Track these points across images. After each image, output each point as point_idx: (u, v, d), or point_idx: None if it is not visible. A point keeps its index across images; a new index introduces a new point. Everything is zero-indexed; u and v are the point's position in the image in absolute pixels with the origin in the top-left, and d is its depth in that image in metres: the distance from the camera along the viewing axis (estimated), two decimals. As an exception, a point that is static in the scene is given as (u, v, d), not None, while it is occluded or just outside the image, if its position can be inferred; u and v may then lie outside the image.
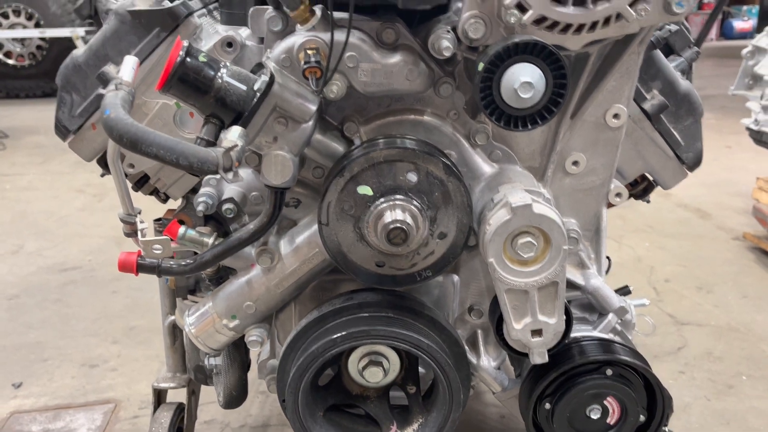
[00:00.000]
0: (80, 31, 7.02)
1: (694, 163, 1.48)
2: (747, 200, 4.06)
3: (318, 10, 1.15)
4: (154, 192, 1.60)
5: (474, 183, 1.32)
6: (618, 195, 1.42)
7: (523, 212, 1.15)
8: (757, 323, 2.79)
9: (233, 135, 0.99)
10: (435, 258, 1.20)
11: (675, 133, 1.45)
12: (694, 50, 1.49)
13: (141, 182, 1.56)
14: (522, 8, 1.10)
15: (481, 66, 1.08)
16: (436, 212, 1.16)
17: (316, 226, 1.24)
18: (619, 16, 1.11)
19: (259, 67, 1.20)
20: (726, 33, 14.39)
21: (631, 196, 1.57)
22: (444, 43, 1.13)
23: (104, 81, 1.39)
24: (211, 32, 1.44)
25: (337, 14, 1.21)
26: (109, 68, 1.39)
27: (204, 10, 1.51)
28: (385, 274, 1.21)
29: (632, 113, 1.39)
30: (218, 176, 1.10)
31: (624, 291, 1.71)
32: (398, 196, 1.14)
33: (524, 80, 1.07)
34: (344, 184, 1.14)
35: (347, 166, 1.13)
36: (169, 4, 1.37)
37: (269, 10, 1.19)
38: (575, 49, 1.17)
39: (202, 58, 1.11)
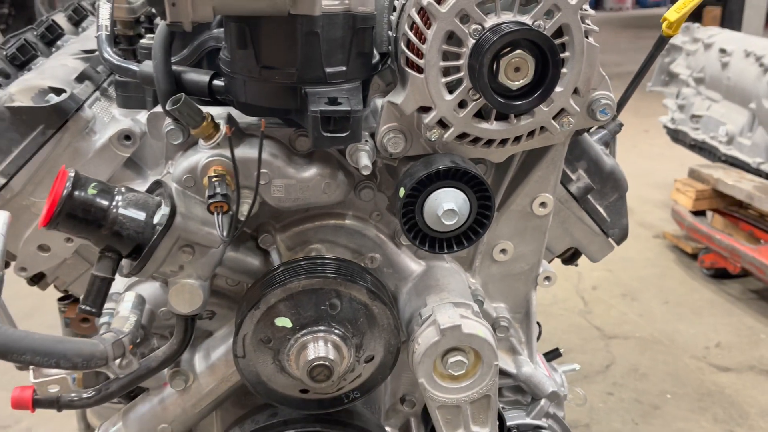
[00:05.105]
0: None
1: (621, 238, 1.46)
2: (666, 192, 4.17)
3: (223, 126, 1.04)
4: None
5: (401, 283, 1.26)
6: (547, 278, 1.39)
7: (452, 333, 1.09)
8: (679, 333, 2.89)
9: (126, 307, 0.88)
10: (363, 380, 1.13)
11: (601, 210, 1.43)
12: (617, 123, 1.46)
13: (36, 278, 1.42)
14: (444, 125, 1.03)
15: (402, 192, 1.01)
16: (362, 338, 1.09)
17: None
18: (543, 128, 1.06)
19: (157, 185, 1.09)
20: (641, 2, 14.73)
21: (561, 261, 1.56)
22: (363, 159, 1.04)
23: (-17, 186, 1.24)
24: (106, 121, 1.31)
25: (245, 120, 1.11)
26: (-12, 170, 1.25)
27: (97, 93, 1.37)
28: (311, 399, 1.13)
29: (559, 195, 1.36)
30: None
31: (554, 354, 1.70)
32: (320, 327, 1.06)
33: (448, 207, 1.00)
34: (260, 316, 1.05)
35: (263, 297, 1.04)
36: (55, 98, 1.23)
37: (167, 122, 1.07)
38: (500, 161, 1.11)
39: (91, 190, 0.99)
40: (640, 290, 3.25)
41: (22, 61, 1.41)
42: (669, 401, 2.46)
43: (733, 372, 2.62)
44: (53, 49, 1.61)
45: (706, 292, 3.23)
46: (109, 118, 1.32)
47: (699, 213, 3.52)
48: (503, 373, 1.37)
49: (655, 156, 5.08)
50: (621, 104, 1.50)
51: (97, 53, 1.43)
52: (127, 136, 1.27)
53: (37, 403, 1.14)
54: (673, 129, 3.96)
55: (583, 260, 1.57)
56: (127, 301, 0.90)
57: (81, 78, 1.34)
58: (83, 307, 0.99)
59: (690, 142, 3.83)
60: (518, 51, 0.94)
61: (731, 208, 3.45)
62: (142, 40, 1.29)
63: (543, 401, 1.40)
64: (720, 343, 2.82)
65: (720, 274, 3.33)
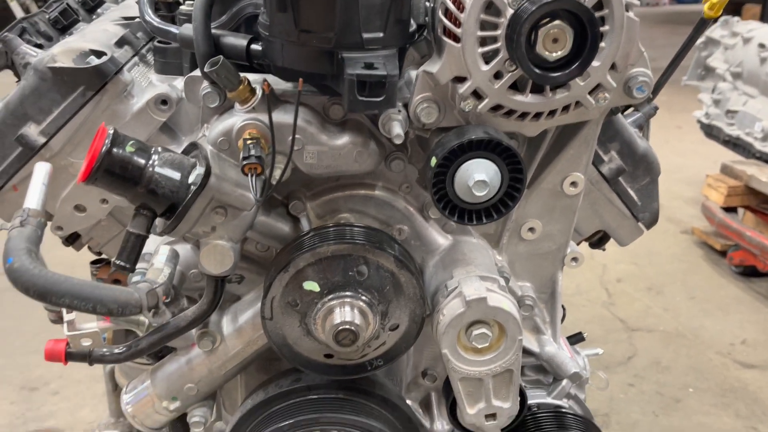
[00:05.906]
0: None
1: (650, 222, 1.45)
2: (696, 188, 4.11)
3: (259, 90, 1.05)
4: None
5: (428, 256, 1.26)
6: (574, 259, 1.38)
7: (478, 306, 1.10)
8: (705, 329, 2.86)
9: (160, 260, 0.90)
10: (387, 348, 1.14)
11: (632, 193, 1.42)
12: (652, 106, 1.44)
13: (72, 238, 1.45)
14: (478, 96, 1.03)
15: (434, 162, 1.01)
16: (388, 306, 1.10)
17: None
18: (578, 103, 1.05)
19: (193, 147, 1.10)
20: (679, -3, 14.41)
21: (589, 244, 1.55)
22: (395, 129, 1.05)
23: (24, 144, 1.27)
24: (143, 86, 1.33)
25: (280, 86, 1.12)
26: (29, 129, 1.28)
27: (136, 58, 1.39)
28: (335, 365, 1.15)
29: (590, 175, 1.35)
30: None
31: (578, 338, 1.69)
32: (347, 293, 1.07)
33: (479, 178, 1.01)
34: (289, 279, 1.07)
35: (293, 260, 1.06)
36: (96, 60, 1.25)
37: (205, 85, 1.09)
38: (533, 135, 1.11)
39: (129, 148, 1.01)
40: (666, 285, 3.22)
41: (64, 24, 1.44)
42: (691, 395, 2.44)
43: (757, 369, 2.59)
44: (94, 16, 1.64)
45: (733, 289, 3.18)
46: (146, 83, 1.34)
47: (730, 209, 3.47)
48: (526, 351, 1.36)
49: (687, 152, 4.99)
50: (658, 87, 1.49)
51: (137, 20, 1.46)
52: (163, 100, 1.29)
53: (69, 356, 1.17)
54: (707, 124, 3.89)
55: (608, 252, 1.55)
56: (161, 254, 0.92)
57: (121, 43, 1.36)
58: (117, 262, 1.01)
59: (724, 138, 3.76)
60: (557, 22, 0.94)
61: (764, 205, 3.39)
62: (182, 6, 1.30)
63: (564, 382, 1.40)
64: (746, 340, 2.78)
65: (749, 272, 3.28)
